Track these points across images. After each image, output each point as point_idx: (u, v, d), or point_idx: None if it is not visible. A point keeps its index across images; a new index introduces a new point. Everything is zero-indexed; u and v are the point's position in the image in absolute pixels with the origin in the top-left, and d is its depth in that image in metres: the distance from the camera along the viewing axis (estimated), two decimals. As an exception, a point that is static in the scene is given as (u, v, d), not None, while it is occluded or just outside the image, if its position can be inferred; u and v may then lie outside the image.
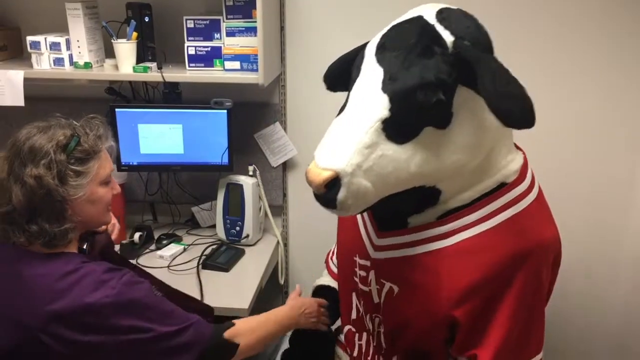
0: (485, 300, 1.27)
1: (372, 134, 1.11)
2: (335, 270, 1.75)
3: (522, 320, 1.30)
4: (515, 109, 1.06)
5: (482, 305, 1.27)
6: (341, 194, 1.11)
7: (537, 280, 1.30)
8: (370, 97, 1.14)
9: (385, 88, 1.13)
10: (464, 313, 1.27)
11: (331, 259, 1.82)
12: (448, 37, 1.15)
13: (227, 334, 1.41)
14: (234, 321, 1.46)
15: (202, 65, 2.04)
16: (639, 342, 2.35)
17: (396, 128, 1.13)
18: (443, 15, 1.18)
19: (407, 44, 1.15)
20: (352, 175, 1.10)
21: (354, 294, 1.56)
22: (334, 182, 1.11)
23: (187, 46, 2.02)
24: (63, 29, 2.03)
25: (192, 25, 2.01)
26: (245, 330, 1.45)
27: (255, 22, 1.90)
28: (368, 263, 1.44)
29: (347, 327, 1.62)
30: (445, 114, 1.16)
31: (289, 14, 2.18)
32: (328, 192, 1.12)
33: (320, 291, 1.80)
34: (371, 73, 1.17)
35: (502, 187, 1.30)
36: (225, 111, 2.12)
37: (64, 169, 1.26)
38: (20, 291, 1.23)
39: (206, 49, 2.02)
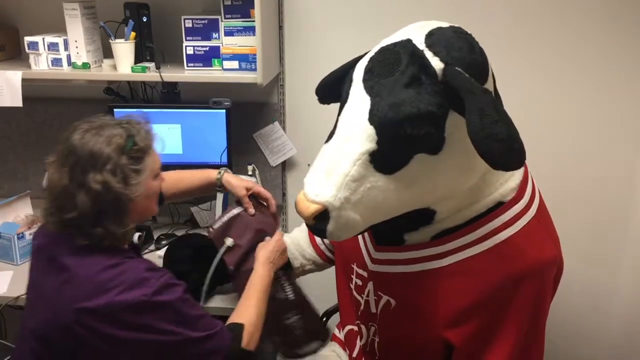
0: (481, 323, 1.25)
1: (360, 166, 1.09)
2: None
3: (523, 341, 1.28)
4: (501, 153, 1.01)
5: (479, 328, 1.26)
6: (330, 227, 1.11)
7: (536, 301, 1.28)
8: (357, 128, 1.11)
9: (372, 119, 1.10)
10: (457, 335, 1.27)
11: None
12: (437, 65, 1.09)
13: (244, 343, 1.38)
14: (242, 322, 1.41)
15: (201, 65, 2.03)
16: None
17: (384, 159, 1.10)
18: (433, 38, 1.12)
19: (394, 71, 1.11)
20: (341, 209, 1.09)
21: (352, 298, 1.56)
22: (323, 215, 1.10)
23: (186, 46, 2.01)
24: (61, 29, 2.03)
25: (190, 25, 2.00)
26: (253, 331, 1.42)
27: (254, 21, 1.89)
28: (365, 274, 1.44)
29: (348, 327, 1.61)
30: (437, 140, 1.12)
31: (287, 13, 2.17)
32: (317, 224, 1.11)
33: None
34: (358, 101, 1.14)
35: (499, 206, 1.28)
36: (224, 111, 2.11)
37: (127, 171, 1.27)
38: (63, 281, 1.24)
39: (204, 49, 2.01)
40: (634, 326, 2.34)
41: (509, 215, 1.27)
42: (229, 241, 1.63)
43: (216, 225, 1.68)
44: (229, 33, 1.98)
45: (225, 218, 1.68)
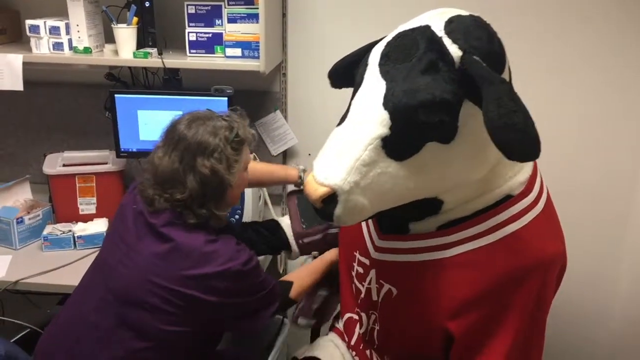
0: (484, 316, 1.25)
1: (371, 151, 1.08)
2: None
3: (525, 335, 1.28)
4: (517, 143, 1.00)
5: (480, 321, 1.25)
6: (338, 210, 1.10)
7: (539, 297, 1.28)
8: (370, 112, 1.10)
9: (386, 104, 1.09)
10: (458, 326, 1.26)
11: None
12: (455, 52, 1.07)
13: (292, 294, 1.63)
14: (291, 280, 1.65)
15: (203, 51, 2.02)
16: None
17: (396, 145, 1.09)
18: (452, 26, 1.10)
19: (411, 57, 1.10)
20: (349, 193, 1.08)
21: (352, 286, 1.56)
22: (331, 198, 1.09)
23: (188, 32, 2.00)
24: (63, 13, 2.01)
25: (193, 11, 1.99)
26: (299, 289, 1.65)
27: (257, 8, 1.88)
28: (367, 262, 1.44)
29: (348, 315, 1.61)
30: (450, 129, 1.11)
31: (291, 0, 2.15)
32: (325, 207, 1.11)
33: None
34: (373, 86, 1.13)
35: (507, 200, 1.27)
36: (226, 99, 2.10)
37: (231, 160, 1.43)
38: (169, 249, 1.39)
39: (207, 35, 2.00)
40: (633, 321, 2.34)
41: (516, 209, 1.27)
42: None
43: (309, 239, 1.84)
44: (232, 20, 1.97)
45: (320, 236, 1.82)
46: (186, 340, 1.46)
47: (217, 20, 1.99)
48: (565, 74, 2.11)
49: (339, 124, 1.17)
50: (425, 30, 1.12)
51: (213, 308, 1.42)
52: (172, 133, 1.44)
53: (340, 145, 1.11)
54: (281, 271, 2.40)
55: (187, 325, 1.43)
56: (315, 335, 1.93)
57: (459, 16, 1.14)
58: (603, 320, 2.38)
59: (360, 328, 1.55)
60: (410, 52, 1.10)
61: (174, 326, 1.41)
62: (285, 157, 2.36)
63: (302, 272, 1.73)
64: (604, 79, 2.10)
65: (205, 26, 2.00)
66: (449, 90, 1.06)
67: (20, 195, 2.18)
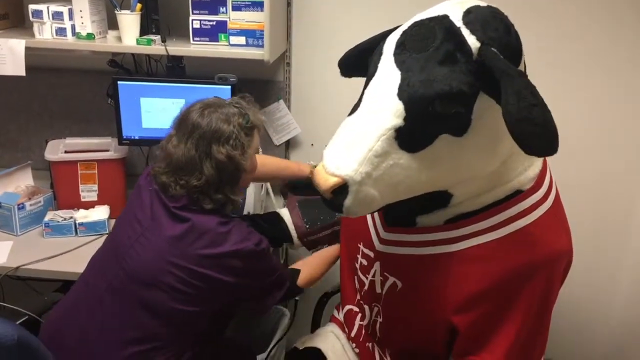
0: (489, 311, 1.25)
1: (384, 142, 1.07)
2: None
3: (529, 331, 1.28)
4: (536, 137, 0.99)
5: (486, 316, 1.25)
6: (348, 201, 1.09)
7: (545, 292, 1.27)
8: (385, 102, 1.09)
9: (401, 94, 1.07)
10: (463, 321, 1.26)
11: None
12: (474, 43, 1.06)
13: (299, 281, 1.66)
14: (299, 268, 1.69)
15: (207, 39, 2.00)
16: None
17: (410, 137, 1.08)
18: (471, 16, 1.09)
19: (428, 47, 1.08)
20: (361, 184, 1.07)
21: (355, 278, 1.55)
22: (342, 189, 1.08)
23: (192, 19, 1.98)
24: (66, -2, 2.00)
25: (197, -2, 1.97)
26: (308, 278, 1.68)
27: (262, -4, 1.86)
28: (372, 254, 1.43)
29: (348, 307, 1.61)
30: (464, 121, 1.10)
31: (296, -11, 2.14)
32: (335, 198, 1.10)
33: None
34: (388, 75, 1.11)
35: (517, 195, 1.26)
36: (230, 87, 2.09)
37: (245, 145, 1.46)
38: (186, 230, 1.43)
39: (211, 23, 1.98)
40: (634, 320, 2.34)
41: (526, 205, 1.26)
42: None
43: (313, 237, 1.88)
44: (236, 7, 1.95)
45: (322, 234, 1.87)
46: (197, 321, 1.49)
47: (221, 8, 1.98)
48: (567, 72, 2.10)
49: (351, 113, 1.15)
50: (444, 19, 1.10)
51: (226, 288, 1.46)
52: (185, 121, 1.47)
53: (352, 135, 1.10)
54: (282, 260, 2.40)
55: (200, 304, 1.46)
56: (315, 325, 1.93)
57: (477, 7, 1.13)
58: (603, 319, 2.38)
59: (362, 320, 1.55)
60: (427, 41, 1.09)
61: (188, 306, 1.44)
62: (289, 147, 2.35)
63: (311, 261, 1.77)
64: (605, 78, 2.09)
65: (209, 14, 1.98)
66: (466, 81, 1.05)
67: (22, 182, 2.17)
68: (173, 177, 1.46)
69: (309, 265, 1.73)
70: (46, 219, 2.03)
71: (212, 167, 1.43)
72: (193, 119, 1.45)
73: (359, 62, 1.26)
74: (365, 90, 1.15)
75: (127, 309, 1.45)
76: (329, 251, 1.79)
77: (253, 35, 1.97)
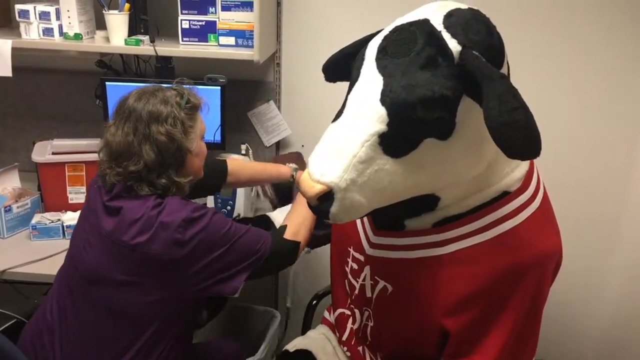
0: (480, 313, 1.24)
1: (368, 148, 1.06)
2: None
3: (521, 332, 1.27)
4: (518, 141, 0.98)
5: (477, 318, 1.25)
6: (334, 208, 1.08)
7: (536, 292, 1.27)
8: (367, 108, 1.08)
9: (384, 100, 1.06)
10: (455, 323, 1.25)
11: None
12: (455, 47, 1.05)
13: (287, 234, 1.56)
14: (284, 224, 1.60)
15: (196, 39, 1.99)
16: (630, 335, 2.36)
17: (393, 142, 1.07)
18: (452, 20, 1.09)
19: (410, 52, 1.07)
20: (346, 191, 1.07)
21: (346, 282, 1.54)
22: (327, 196, 1.07)
23: (181, 19, 1.97)
24: (53, -3, 1.98)
25: (186, -2, 1.96)
26: (297, 227, 1.58)
27: (252, -4, 1.85)
28: (362, 258, 1.42)
29: (339, 311, 1.60)
30: (448, 125, 1.09)
31: (286, -11, 2.13)
32: (321, 205, 1.09)
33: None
34: (370, 81, 1.10)
35: (504, 196, 1.25)
36: (219, 88, 2.08)
37: (186, 124, 1.43)
38: (119, 223, 1.39)
39: (200, 23, 1.97)
40: (623, 320, 2.35)
41: (513, 206, 1.25)
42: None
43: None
44: (226, 8, 1.94)
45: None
46: (163, 313, 1.44)
47: (210, 8, 1.97)
48: (559, 71, 2.10)
49: (335, 119, 1.15)
50: (424, 24, 1.09)
51: (177, 265, 1.39)
52: (122, 108, 1.43)
53: (337, 142, 1.09)
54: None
55: (161, 291, 1.41)
56: (306, 327, 1.92)
57: (458, 9, 1.12)
58: (594, 320, 2.39)
59: (353, 324, 1.54)
60: (409, 46, 1.08)
61: (149, 295, 1.40)
62: (279, 147, 2.34)
63: (291, 211, 1.67)
64: (597, 76, 2.10)
65: (198, 14, 1.97)
66: (449, 86, 1.04)
67: (9, 184, 2.15)
68: (111, 166, 1.42)
69: (289, 217, 1.64)
70: (33, 221, 2.00)
71: (152, 151, 1.38)
72: (129, 104, 1.42)
73: (342, 68, 1.26)
74: (349, 96, 1.15)
75: (91, 312, 1.43)
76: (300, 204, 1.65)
77: (243, 36, 1.96)
